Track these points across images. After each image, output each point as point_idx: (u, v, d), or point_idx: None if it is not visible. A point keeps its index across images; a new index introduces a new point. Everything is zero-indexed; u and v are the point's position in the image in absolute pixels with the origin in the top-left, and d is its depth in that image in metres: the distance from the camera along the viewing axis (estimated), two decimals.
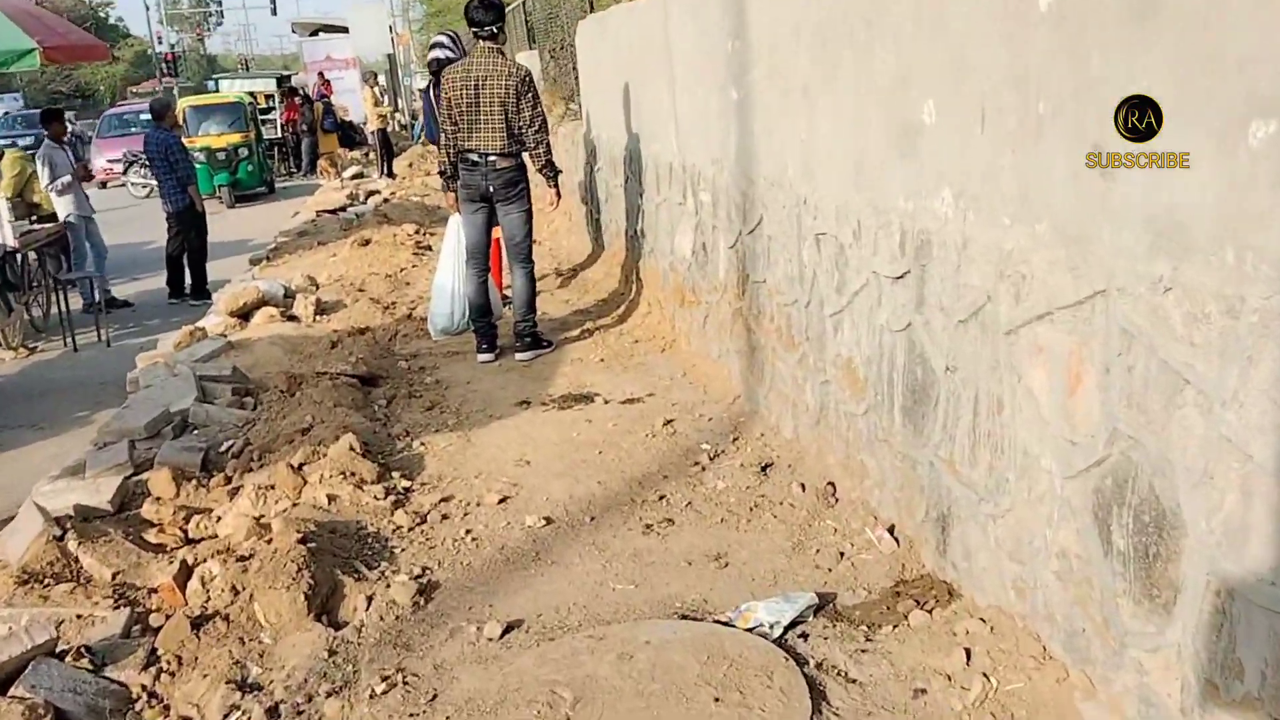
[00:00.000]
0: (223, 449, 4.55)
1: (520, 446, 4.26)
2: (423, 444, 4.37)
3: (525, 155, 5.54)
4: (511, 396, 4.96)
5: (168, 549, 3.69)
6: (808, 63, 3.34)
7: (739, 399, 4.49)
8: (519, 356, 5.57)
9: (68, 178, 8.85)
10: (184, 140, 13.67)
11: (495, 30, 5.41)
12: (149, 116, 9.68)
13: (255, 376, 5.61)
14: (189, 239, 9.55)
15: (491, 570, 3.22)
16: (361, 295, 7.48)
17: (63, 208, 9.00)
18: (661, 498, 3.64)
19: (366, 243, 9.36)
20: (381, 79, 21.78)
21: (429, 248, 9.42)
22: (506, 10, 7.27)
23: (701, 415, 4.44)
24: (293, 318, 7.01)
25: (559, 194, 5.78)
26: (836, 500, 3.39)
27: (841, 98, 3.12)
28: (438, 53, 7.27)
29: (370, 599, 3.04)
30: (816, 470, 3.60)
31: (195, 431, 4.88)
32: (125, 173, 18.40)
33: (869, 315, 3.06)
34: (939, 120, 2.53)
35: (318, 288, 8.03)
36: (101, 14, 55.84)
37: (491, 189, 5.44)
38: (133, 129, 20.04)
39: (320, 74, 22.72)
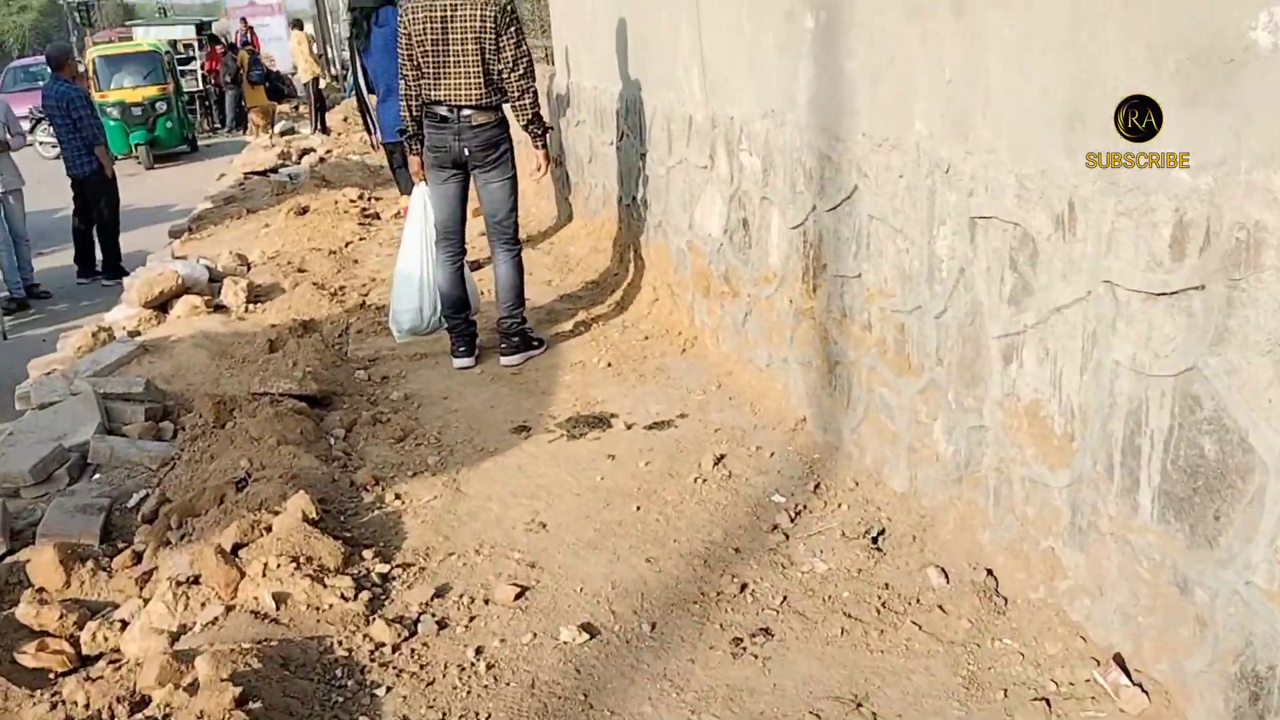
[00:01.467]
0: (131, 504, 3.45)
1: (529, 499, 3.21)
2: (398, 496, 3.30)
3: (507, 108, 4.41)
4: (504, 419, 3.89)
5: (50, 675, 2.62)
6: None
7: (803, 425, 3.48)
8: (505, 361, 4.48)
9: None
10: (92, 95, 12.18)
11: None
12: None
13: (175, 389, 4.47)
14: (98, 209, 8.27)
15: None
16: (302, 277, 6.28)
17: None
18: (743, 587, 2.62)
19: (304, 211, 8.11)
20: (309, 26, 20.04)
21: (377, 215, 8.21)
22: None
23: (759, 448, 3.42)
24: (221, 307, 5.82)
25: (549, 156, 4.64)
26: (1005, 601, 2.40)
27: (1046, 9, 2.07)
28: None
29: None
30: (961, 549, 2.60)
31: (96, 476, 3.76)
32: (32, 131, 16.62)
33: (1085, 345, 2.05)
34: None
35: (249, 268, 6.80)
36: None
37: (467, 152, 4.29)
38: (40, 82, 18.22)
39: (244, 20, 20.96)
